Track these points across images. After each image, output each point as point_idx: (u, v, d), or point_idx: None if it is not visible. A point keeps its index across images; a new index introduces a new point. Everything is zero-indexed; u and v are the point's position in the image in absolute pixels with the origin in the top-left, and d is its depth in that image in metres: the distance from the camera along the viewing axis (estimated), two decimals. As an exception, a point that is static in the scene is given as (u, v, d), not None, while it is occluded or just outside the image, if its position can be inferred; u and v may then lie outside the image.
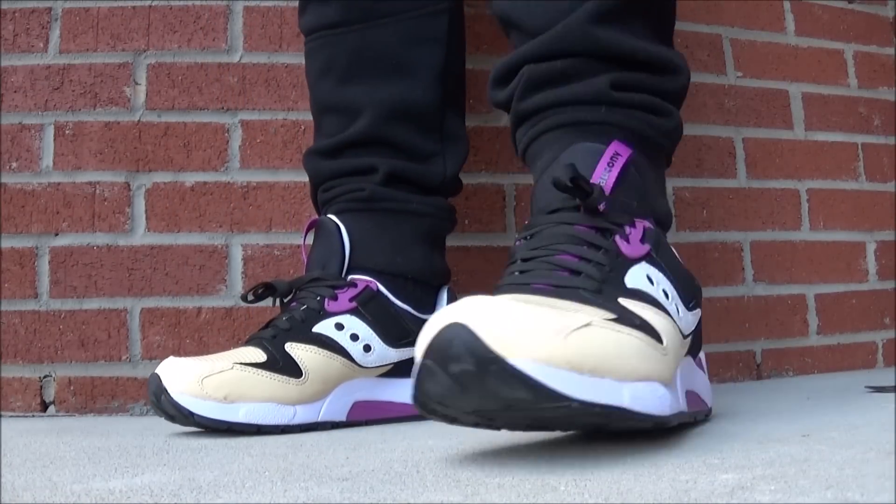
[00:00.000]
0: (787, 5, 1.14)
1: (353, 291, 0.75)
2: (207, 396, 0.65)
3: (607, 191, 0.55)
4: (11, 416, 0.89)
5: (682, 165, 1.05)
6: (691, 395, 0.56)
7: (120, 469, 0.49)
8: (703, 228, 1.06)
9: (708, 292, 1.03)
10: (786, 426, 0.55)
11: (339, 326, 0.73)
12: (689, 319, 0.57)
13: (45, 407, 0.90)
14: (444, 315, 0.41)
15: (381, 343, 0.75)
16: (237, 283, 0.94)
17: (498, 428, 0.46)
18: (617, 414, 0.43)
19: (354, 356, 0.73)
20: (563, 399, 0.41)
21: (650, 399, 0.46)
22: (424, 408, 0.44)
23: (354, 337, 0.73)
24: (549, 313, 0.43)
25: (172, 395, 0.65)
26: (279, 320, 0.73)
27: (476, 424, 0.45)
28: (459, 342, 0.40)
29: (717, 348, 1.03)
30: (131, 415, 0.91)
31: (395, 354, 0.75)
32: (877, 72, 1.18)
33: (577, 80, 0.62)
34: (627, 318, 0.48)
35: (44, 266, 0.92)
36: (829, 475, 0.37)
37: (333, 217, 0.79)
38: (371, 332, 0.74)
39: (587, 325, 0.44)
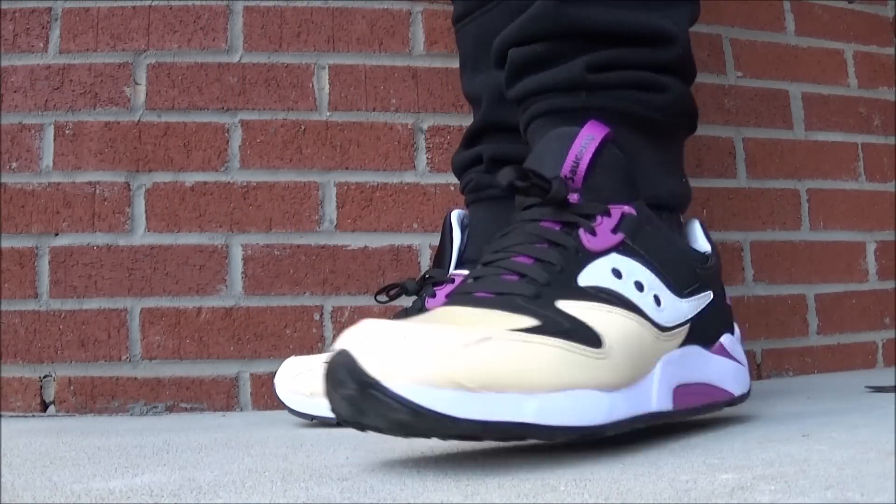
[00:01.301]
0: (787, 5, 1.14)
1: (450, 287, 0.76)
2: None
3: (579, 178, 0.52)
4: (11, 416, 0.89)
5: (682, 165, 1.05)
6: (687, 390, 0.53)
7: (120, 469, 0.49)
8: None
9: (708, 292, 1.03)
10: (786, 426, 0.55)
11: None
12: (680, 308, 0.54)
13: (45, 407, 0.90)
14: (339, 340, 0.43)
15: None
16: (237, 283, 0.94)
17: (430, 437, 0.44)
18: (518, 430, 0.42)
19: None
20: (448, 419, 0.40)
21: (568, 410, 0.44)
22: (352, 426, 0.44)
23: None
24: (438, 332, 0.42)
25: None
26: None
27: (409, 437, 0.44)
28: (343, 368, 0.41)
29: (717, 348, 1.03)
30: (131, 415, 0.91)
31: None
32: (877, 72, 1.18)
33: (556, 63, 0.59)
34: (552, 325, 0.46)
35: (44, 266, 0.92)
36: (829, 475, 0.37)
37: (456, 212, 0.81)
38: None
39: (485, 339, 0.42)
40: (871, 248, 1.14)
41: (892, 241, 1.15)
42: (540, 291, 0.48)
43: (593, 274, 0.50)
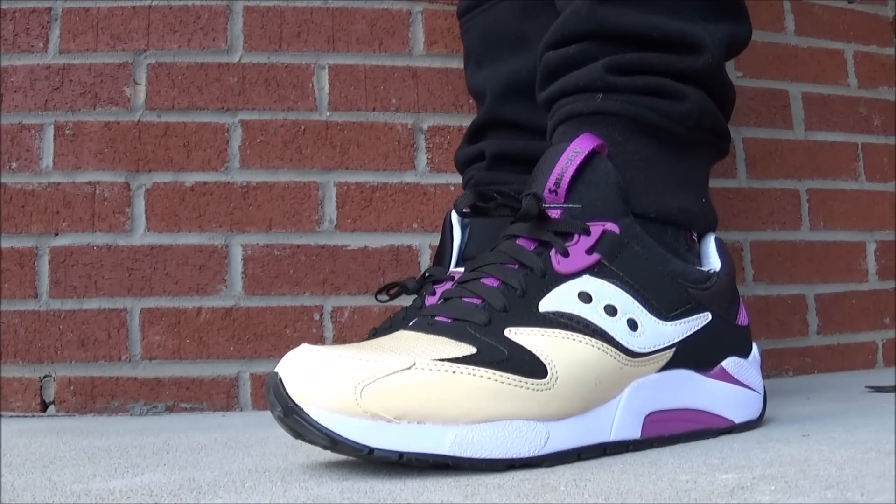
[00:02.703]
0: (787, 5, 1.14)
1: (449, 285, 0.76)
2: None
3: (562, 193, 0.51)
4: (11, 416, 0.89)
5: (682, 165, 1.05)
6: (663, 416, 0.51)
7: (120, 469, 0.49)
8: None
9: (708, 292, 1.03)
10: (786, 426, 0.55)
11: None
12: (662, 331, 0.51)
13: (45, 407, 0.90)
14: (279, 363, 0.44)
15: None
16: (237, 283, 0.94)
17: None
18: (435, 461, 0.43)
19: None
20: (360, 448, 0.41)
21: (493, 442, 0.43)
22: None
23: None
24: (357, 361, 0.43)
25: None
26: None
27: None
28: (273, 391, 0.43)
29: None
30: (131, 415, 0.91)
31: None
32: (877, 72, 1.18)
33: (584, 65, 0.57)
34: (487, 354, 0.45)
35: (44, 266, 0.92)
36: (829, 475, 0.37)
37: (455, 210, 0.80)
38: None
39: (408, 368, 0.43)
40: (871, 248, 1.14)
41: (892, 241, 1.15)
42: (492, 317, 0.48)
43: (557, 298, 0.49)
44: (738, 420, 0.54)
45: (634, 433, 0.49)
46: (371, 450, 0.42)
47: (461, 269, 0.77)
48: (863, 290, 1.12)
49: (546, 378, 0.46)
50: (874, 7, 1.20)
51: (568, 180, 0.51)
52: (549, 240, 0.50)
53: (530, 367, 0.46)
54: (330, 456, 0.52)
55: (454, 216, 0.80)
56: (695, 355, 0.53)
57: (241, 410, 0.93)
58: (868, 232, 1.14)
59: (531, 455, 0.45)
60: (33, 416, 0.90)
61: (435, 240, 0.94)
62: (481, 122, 0.81)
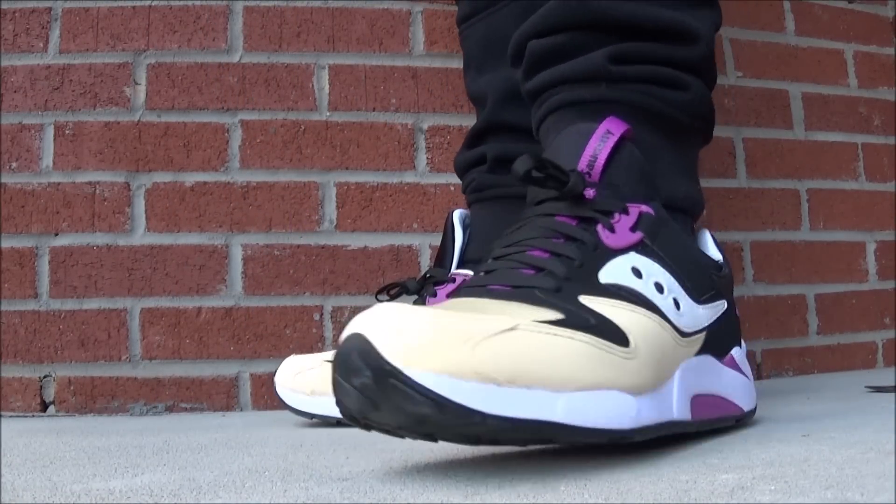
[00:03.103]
0: (787, 5, 1.15)
1: (451, 287, 0.76)
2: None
3: (596, 173, 0.50)
4: (11, 416, 0.89)
5: (682, 165, 1.05)
6: (704, 401, 0.50)
7: (120, 469, 0.49)
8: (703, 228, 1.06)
9: (708, 292, 1.03)
10: (786, 426, 0.55)
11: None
12: (698, 314, 0.51)
13: (45, 407, 0.90)
14: (350, 324, 0.39)
15: None
16: (237, 283, 0.94)
17: (436, 440, 0.41)
18: (548, 429, 0.39)
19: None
20: (474, 414, 0.37)
21: (598, 411, 0.41)
22: (356, 424, 0.41)
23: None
24: (462, 319, 0.39)
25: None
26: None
27: (417, 438, 0.41)
28: (357, 354, 0.37)
29: (717, 348, 1.03)
30: (131, 415, 0.91)
31: None
32: (877, 72, 1.18)
33: (577, 54, 0.57)
34: (577, 319, 0.43)
35: (44, 266, 0.92)
36: (829, 475, 0.37)
37: (458, 212, 0.81)
38: None
39: (511, 329, 0.39)
40: (871, 248, 1.14)
41: (892, 241, 1.15)
42: (561, 285, 0.45)
43: (613, 271, 0.47)
44: (746, 408, 0.55)
45: (687, 414, 0.48)
46: (485, 416, 0.37)
47: (463, 271, 0.77)
48: (863, 290, 1.12)
49: (630, 348, 0.44)
50: (874, 7, 1.20)
51: (603, 161, 0.50)
52: (592, 216, 0.49)
53: (615, 335, 0.43)
54: (331, 456, 0.52)
55: (456, 217, 0.80)
56: (717, 341, 0.53)
57: (241, 410, 0.93)
58: (868, 232, 1.14)
59: (629, 428, 0.42)
60: (33, 416, 0.90)
61: (435, 240, 0.94)
62: (482, 127, 0.81)
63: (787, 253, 1.10)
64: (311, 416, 0.72)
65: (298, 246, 0.96)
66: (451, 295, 0.73)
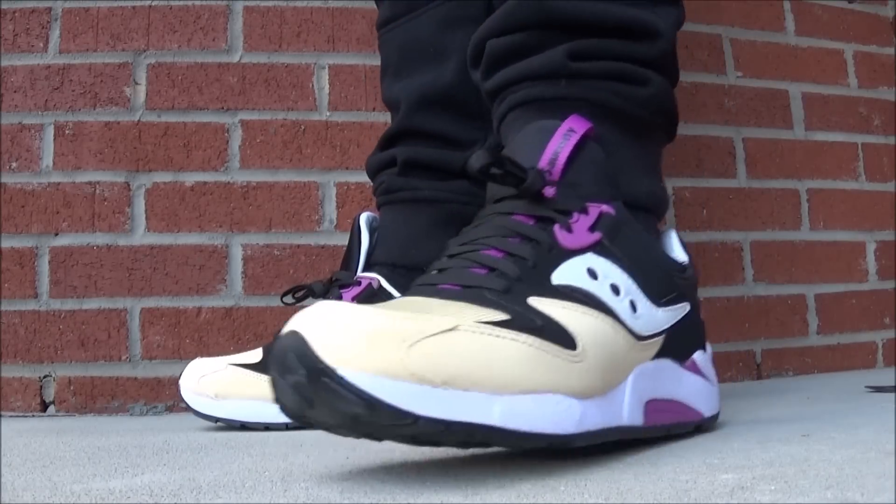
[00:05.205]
0: (787, 5, 1.15)
1: (356, 290, 0.75)
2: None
3: (557, 172, 0.49)
4: (11, 416, 0.89)
5: (682, 165, 1.05)
6: (659, 405, 0.49)
7: (120, 469, 0.49)
8: (703, 228, 1.06)
9: (708, 292, 1.03)
10: (786, 426, 0.55)
11: None
12: (656, 317, 0.50)
13: (45, 407, 0.90)
14: (290, 322, 0.38)
15: None
16: (237, 283, 0.94)
17: (379, 440, 0.41)
18: (484, 432, 0.38)
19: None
20: (406, 415, 0.36)
21: (537, 415, 0.40)
22: (297, 421, 0.40)
23: None
24: (402, 319, 0.38)
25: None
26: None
27: (357, 437, 0.40)
28: (292, 352, 0.37)
29: (716, 348, 1.02)
30: (131, 415, 0.91)
31: None
32: (877, 72, 1.18)
33: (536, 52, 0.56)
34: (523, 320, 0.42)
35: (44, 266, 0.92)
36: (829, 475, 0.37)
37: (364, 214, 0.80)
38: None
39: (451, 329, 0.38)
40: (871, 248, 1.14)
41: (892, 241, 1.15)
42: (510, 286, 0.44)
43: (567, 273, 0.47)
44: (706, 414, 0.54)
45: (639, 420, 0.47)
46: (417, 418, 0.36)
47: (369, 274, 0.77)
48: (863, 290, 1.12)
49: (577, 351, 0.43)
50: (874, 7, 1.20)
51: (564, 160, 0.50)
52: (550, 216, 0.48)
53: (562, 337, 0.43)
54: (331, 455, 0.52)
55: (362, 220, 0.79)
56: (677, 345, 0.52)
57: (241, 410, 0.93)
58: (868, 232, 1.14)
59: (569, 433, 0.41)
60: (33, 416, 0.90)
61: (435, 240, 0.94)
62: (395, 131, 0.81)
63: (787, 253, 1.10)
64: (216, 419, 0.71)
65: (298, 246, 0.96)
66: (356, 298, 0.74)
